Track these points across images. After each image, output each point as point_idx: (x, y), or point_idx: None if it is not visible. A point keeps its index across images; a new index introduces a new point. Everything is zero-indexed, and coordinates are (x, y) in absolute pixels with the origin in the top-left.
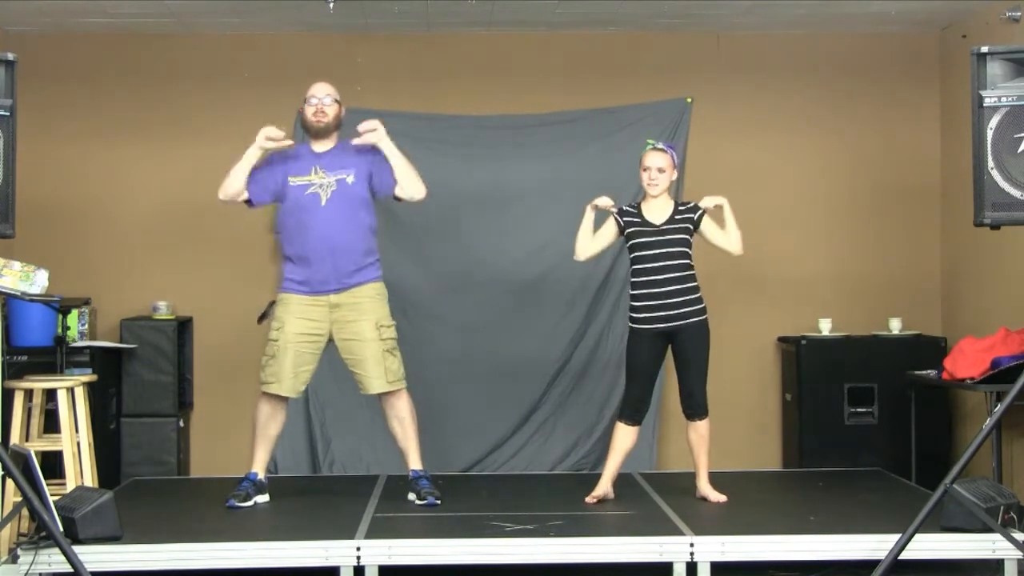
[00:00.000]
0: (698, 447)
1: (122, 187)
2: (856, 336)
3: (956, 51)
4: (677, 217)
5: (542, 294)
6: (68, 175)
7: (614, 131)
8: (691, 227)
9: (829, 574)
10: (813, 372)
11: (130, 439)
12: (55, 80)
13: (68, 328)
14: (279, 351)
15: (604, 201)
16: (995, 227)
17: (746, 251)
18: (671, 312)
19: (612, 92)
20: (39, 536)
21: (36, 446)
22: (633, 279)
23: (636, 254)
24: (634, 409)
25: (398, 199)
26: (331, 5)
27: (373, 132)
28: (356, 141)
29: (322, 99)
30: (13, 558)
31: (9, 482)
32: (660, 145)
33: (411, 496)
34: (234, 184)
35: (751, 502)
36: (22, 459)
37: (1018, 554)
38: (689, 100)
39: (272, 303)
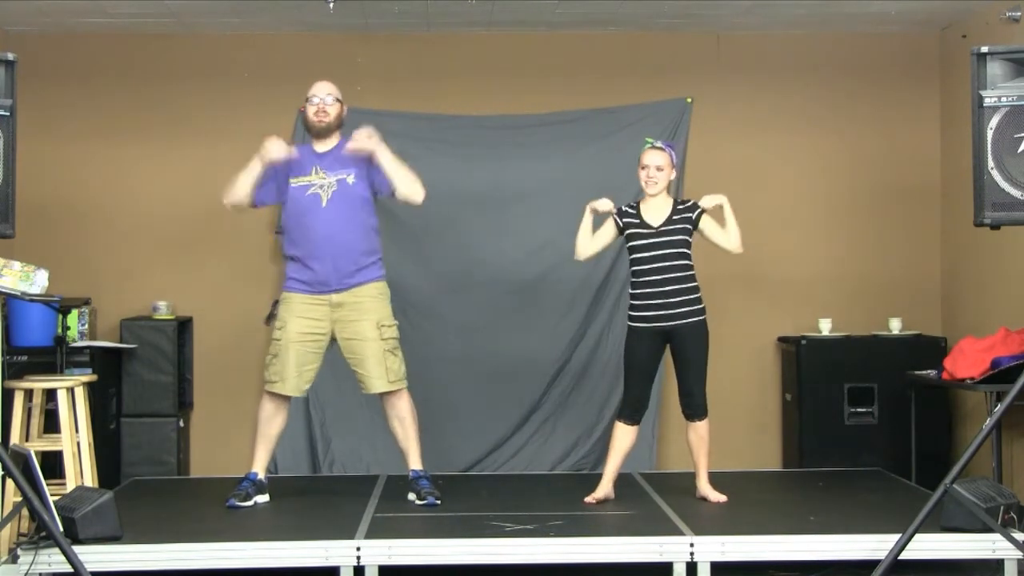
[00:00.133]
0: (698, 448)
1: (122, 187)
2: (856, 336)
3: (956, 51)
4: (675, 217)
5: (542, 294)
6: (68, 175)
7: (614, 131)
8: (690, 227)
9: (829, 574)
10: (813, 372)
11: (130, 439)
12: (55, 80)
13: (68, 328)
14: (281, 350)
15: (603, 205)
16: (995, 227)
17: (746, 251)
18: (669, 311)
19: (612, 92)
20: (39, 536)
21: (36, 446)
22: (632, 279)
23: (635, 255)
24: (633, 409)
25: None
26: (331, 5)
27: (368, 140)
28: (350, 148)
29: (324, 98)
30: (13, 558)
31: (9, 482)
32: (659, 144)
33: (411, 496)
34: (239, 192)
35: (751, 502)
36: (22, 459)
37: (1018, 554)
38: (689, 100)
39: (276, 303)
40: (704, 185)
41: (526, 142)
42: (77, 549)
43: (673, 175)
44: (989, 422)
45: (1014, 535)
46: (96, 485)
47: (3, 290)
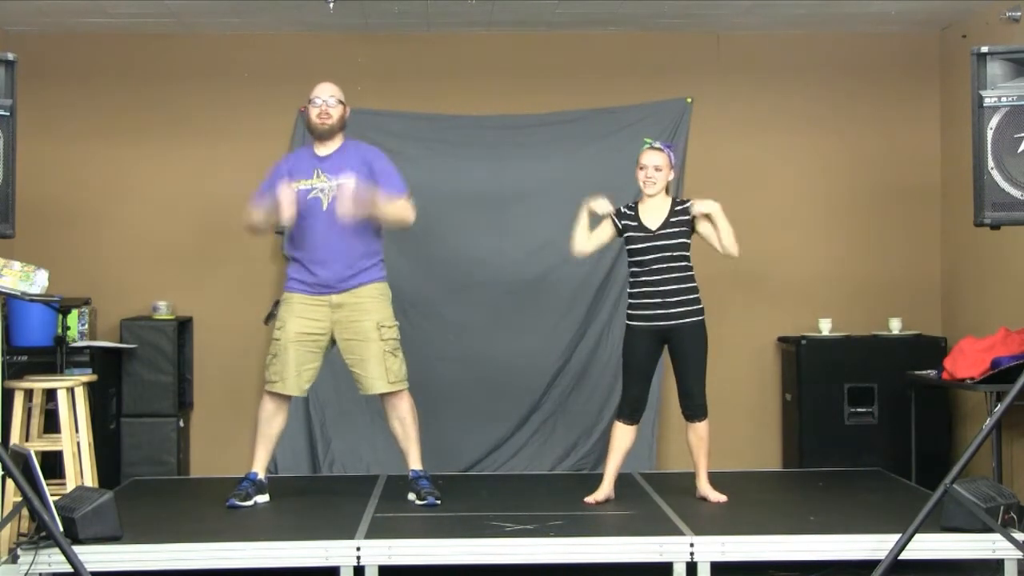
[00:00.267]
0: (698, 448)
1: (122, 187)
2: (856, 336)
3: (956, 51)
4: (673, 220)
5: (542, 294)
6: (68, 175)
7: (614, 131)
8: (688, 229)
9: (829, 574)
10: (813, 372)
11: (130, 439)
12: (55, 80)
13: (68, 328)
14: (281, 350)
15: (601, 207)
16: (995, 227)
17: (746, 251)
18: (667, 311)
19: (612, 92)
20: (39, 536)
21: (36, 446)
22: (631, 279)
23: (633, 256)
24: (632, 408)
25: None
26: (331, 5)
27: (354, 204)
28: (341, 214)
29: (326, 100)
30: (13, 558)
31: (9, 482)
32: (657, 144)
33: (411, 496)
34: (253, 221)
35: (751, 502)
36: (22, 459)
37: (1018, 554)
38: (689, 100)
39: (277, 302)
40: (704, 185)
41: (526, 142)
42: (77, 549)
43: (672, 175)
44: (989, 422)
45: (1014, 535)
46: (96, 485)
47: (3, 290)
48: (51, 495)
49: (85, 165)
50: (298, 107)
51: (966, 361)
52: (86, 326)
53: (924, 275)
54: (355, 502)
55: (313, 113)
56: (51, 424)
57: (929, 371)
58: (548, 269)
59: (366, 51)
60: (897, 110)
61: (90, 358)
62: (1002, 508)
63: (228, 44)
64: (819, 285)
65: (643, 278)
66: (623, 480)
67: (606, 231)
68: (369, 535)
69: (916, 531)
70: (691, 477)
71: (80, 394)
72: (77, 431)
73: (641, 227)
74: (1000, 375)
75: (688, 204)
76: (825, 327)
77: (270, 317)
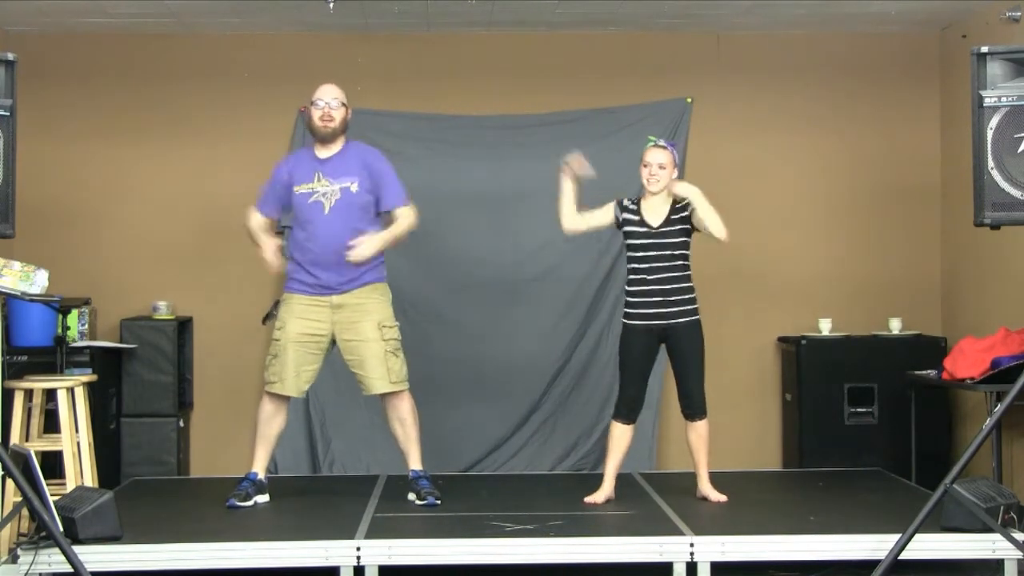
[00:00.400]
0: (698, 447)
1: (122, 187)
2: (856, 336)
3: (956, 51)
4: (674, 217)
5: (542, 294)
6: (68, 175)
7: (614, 131)
8: (688, 227)
9: (829, 574)
10: (813, 372)
11: (130, 439)
12: (55, 80)
13: (68, 328)
14: (281, 351)
15: (582, 168)
16: (995, 227)
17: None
18: (665, 310)
19: (612, 92)
20: (39, 536)
21: (36, 446)
22: (629, 276)
23: (633, 253)
24: (629, 408)
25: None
26: (331, 5)
27: (362, 250)
28: (352, 258)
29: (329, 102)
30: (13, 558)
31: (9, 482)
32: (661, 142)
33: (411, 496)
34: (250, 228)
35: (751, 502)
36: (22, 459)
37: (1018, 554)
38: (689, 100)
39: (276, 303)
40: (704, 185)
41: (526, 142)
42: (77, 549)
43: (675, 174)
44: (989, 422)
45: (1014, 535)
46: (96, 485)
47: (3, 290)
48: (51, 495)
49: (85, 165)
50: (298, 107)
51: (966, 361)
52: (86, 326)
53: (924, 275)
54: (355, 502)
55: (316, 116)
56: (51, 424)
57: (929, 371)
58: (548, 269)
59: (366, 51)
60: (897, 110)
61: (90, 358)
62: (1002, 508)
63: (228, 44)
64: (819, 285)
65: (642, 276)
66: (623, 480)
67: (603, 217)
68: (369, 535)
69: (916, 531)
70: (691, 477)
71: (80, 394)
72: (77, 431)
73: (643, 223)
74: (1000, 375)
75: (687, 202)
76: (825, 327)
77: (268, 317)
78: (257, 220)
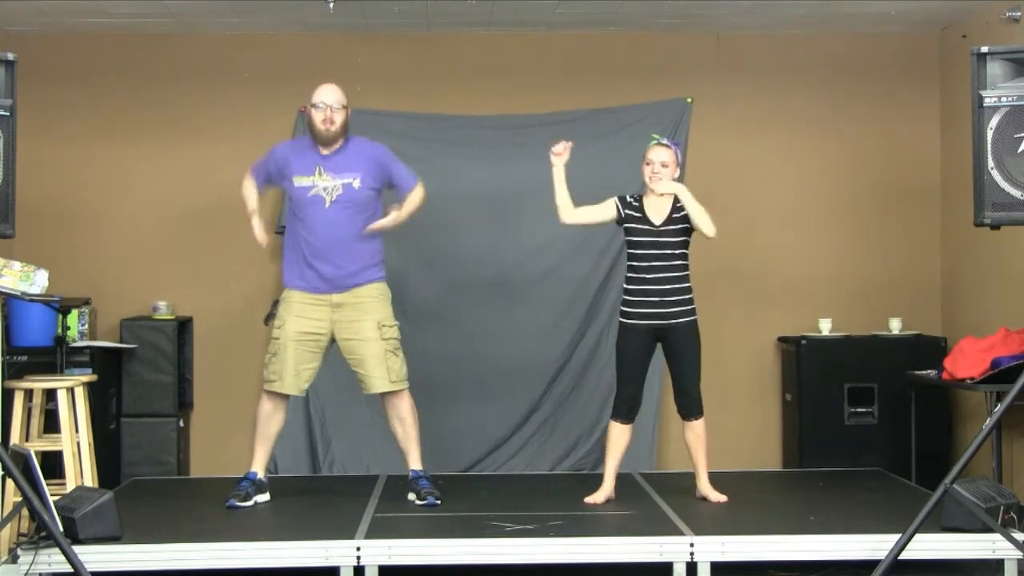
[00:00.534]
0: (696, 447)
1: (122, 187)
2: (856, 336)
3: (956, 51)
4: (675, 216)
5: (542, 294)
6: (68, 175)
7: (614, 131)
8: (688, 226)
9: (829, 574)
10: (813, 372)
11: (130, 439)
12: (55, 80)
13: (68, 328)
14: (280, 349)
15: (567, 152)
16: (995, 227)
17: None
18: (661, 310)
19: (612, 92)
20: (39, 536)
21: (36, 446)
22: (628, 274)
23: (633, 251)
24: (628, 407)
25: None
26: (331, 5)
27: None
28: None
29: (331, 105)
30: (13, 558)
31: (9, 482)
32: (664, 140)
33: (411, 496)
34: (243, 196)
35: (751, 502)
36: (22, 459)
37: (1018, 554)
38: (689, 100)
39: (276, 302)
40: (704, 185)
41: (526, 142)
42: (77, 549)
43: (677, 173)
44: (989, 422)
45: (1014, 535)
46: (96, 485)
47: (3, 290)
48: (51, 495)
49: (85, 165)
50: (298, 107)
51: (966, 361)
52: (86, 326)
53: (924, 275)
54: (355, 502)
55: (317, 118)
56: (51, 424)
57: (929, 371)
58: (548, 269)
59: (366, 51)
60: (897, 110)
61: (90, 358)
62: (1002, 508)
63: (228, 44)
64: (819, 285)
65: (642, 275)
66: (623, 480)
67: (603, 212)
68: (369, 535)
69: (916, 531)
70: (691, 477)
71: (80, 394)
72: (77, 431)
73: (645, 220)
74: (1000, 375)
75: None
76: (825, 327)
77: (269, 317)
78: (250, 187)
